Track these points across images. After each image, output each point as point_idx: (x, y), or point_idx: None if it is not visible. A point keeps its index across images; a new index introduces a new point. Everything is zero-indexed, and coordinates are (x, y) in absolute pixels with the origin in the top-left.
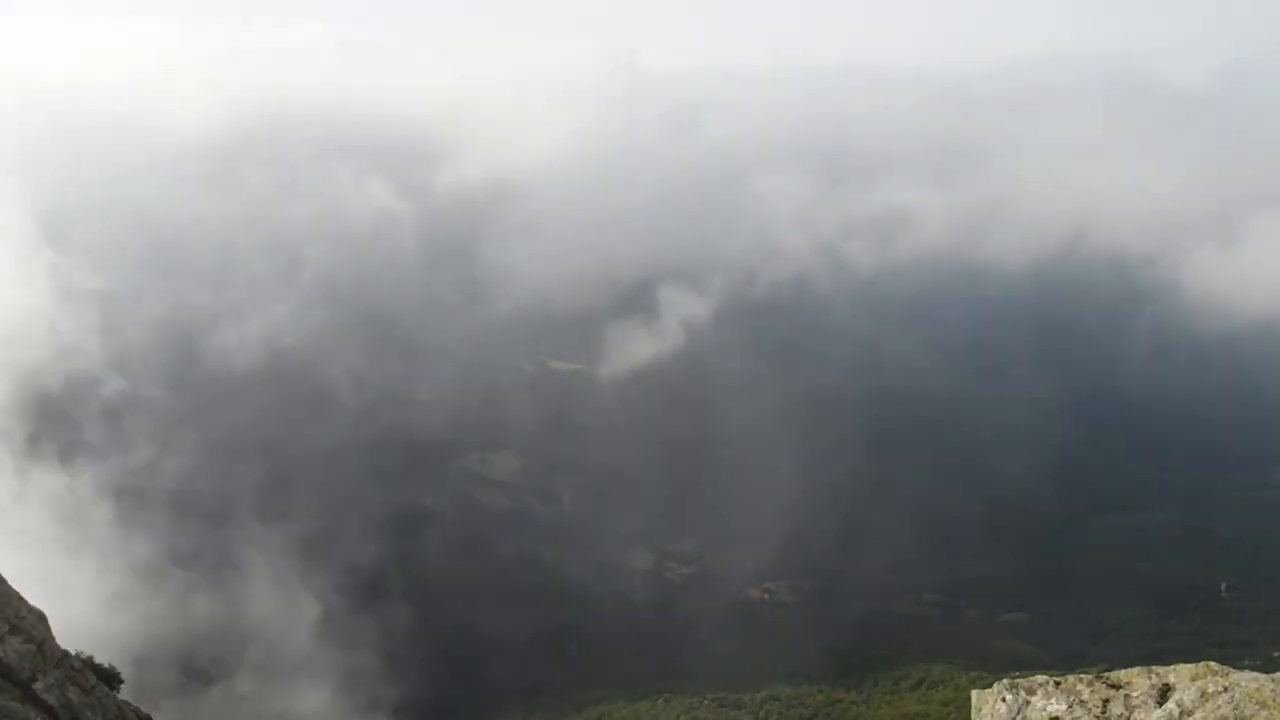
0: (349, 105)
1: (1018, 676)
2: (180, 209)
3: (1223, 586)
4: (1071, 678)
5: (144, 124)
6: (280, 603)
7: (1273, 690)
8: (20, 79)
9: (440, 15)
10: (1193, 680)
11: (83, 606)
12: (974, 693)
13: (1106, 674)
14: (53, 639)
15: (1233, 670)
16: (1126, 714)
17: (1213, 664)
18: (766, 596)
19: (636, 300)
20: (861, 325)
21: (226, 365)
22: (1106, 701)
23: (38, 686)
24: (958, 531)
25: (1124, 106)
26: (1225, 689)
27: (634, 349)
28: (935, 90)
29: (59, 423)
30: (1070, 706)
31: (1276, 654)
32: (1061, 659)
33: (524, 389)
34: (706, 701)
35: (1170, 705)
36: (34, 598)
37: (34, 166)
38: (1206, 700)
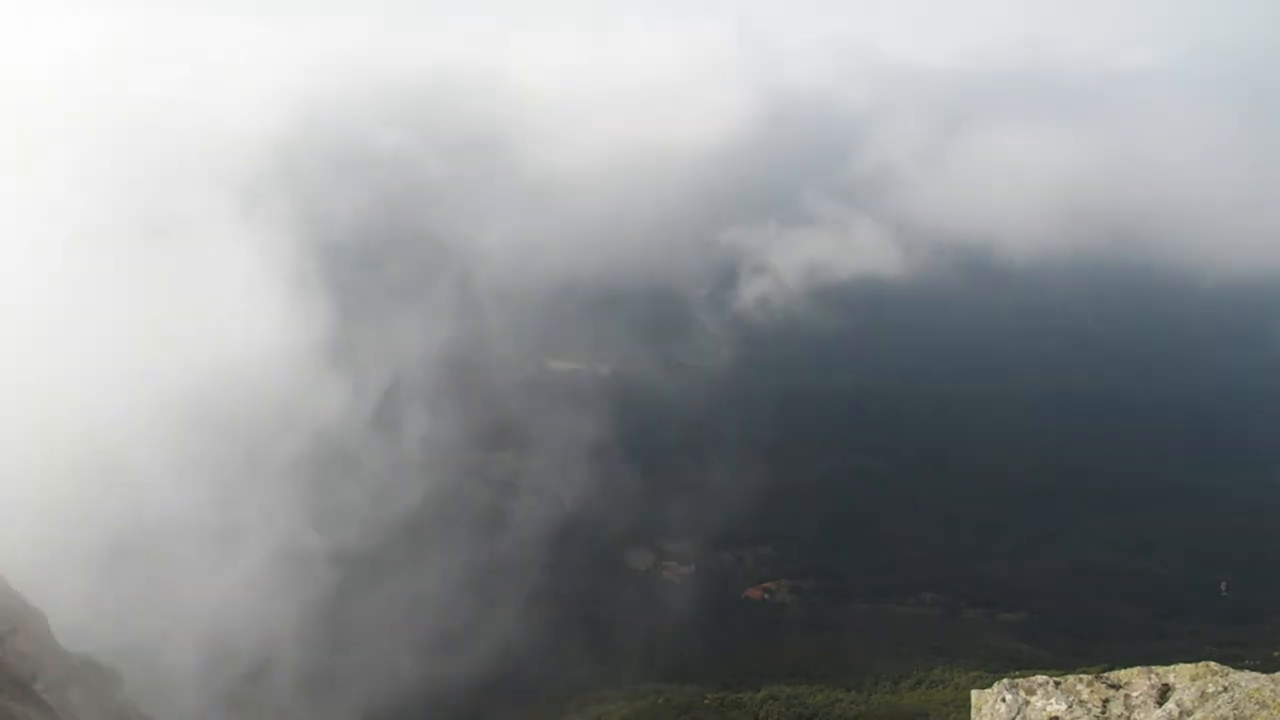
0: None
1: (1018, 676)
2: None
3: (1223, 586)
4: (1071, 678)
5: None
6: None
7: (1273, 690)
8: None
9: None
10: (1193, 680)
11: None
12: (974, 693)
13: (1106, 674)
14: (54, 639)
15: (1233, 670)
16: (1126, 714)
17: (1213, 664)
18: (766, 596)
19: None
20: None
21: None
22: (1106, 701)
23: (38, 687)
24: (958, 531)
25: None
26: (1225, 689)
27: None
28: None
29: None
30: (1070, 706)
31: (1277, 654)
32: (1061, 659)
33: (524, 389)
34: (706, 701)
35: (1170, 705)
36: None
37: None
38: (1206, 700)
